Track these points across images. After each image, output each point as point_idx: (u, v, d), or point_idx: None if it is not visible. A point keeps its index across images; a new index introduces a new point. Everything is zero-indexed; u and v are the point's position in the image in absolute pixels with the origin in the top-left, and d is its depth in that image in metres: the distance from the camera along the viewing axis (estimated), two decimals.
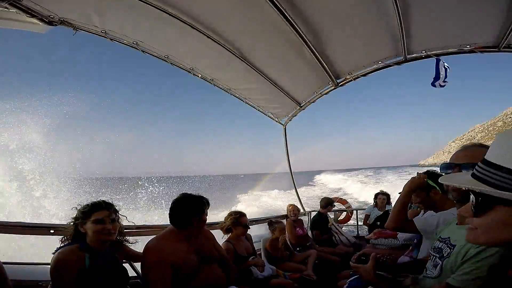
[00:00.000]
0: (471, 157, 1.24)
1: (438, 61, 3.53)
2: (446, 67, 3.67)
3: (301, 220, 4.73)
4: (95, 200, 1.87)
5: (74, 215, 1.83)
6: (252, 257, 3.08)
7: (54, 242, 1.85)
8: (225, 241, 2.99)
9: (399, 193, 4.18)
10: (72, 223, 1.82)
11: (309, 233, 4.89)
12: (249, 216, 3.25)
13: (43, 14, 2.18)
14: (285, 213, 4.91)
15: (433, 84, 3.90)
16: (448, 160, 1.38)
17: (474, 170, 0.75)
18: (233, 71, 3.41)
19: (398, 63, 3.29)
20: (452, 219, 1.54)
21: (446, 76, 3.75)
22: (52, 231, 2.16)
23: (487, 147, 1.04)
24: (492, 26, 2.58)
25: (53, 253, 1.71)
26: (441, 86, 3.86)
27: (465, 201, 1.06)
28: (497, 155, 0.69)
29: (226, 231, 3.05)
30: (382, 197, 5.04)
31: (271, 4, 2.27)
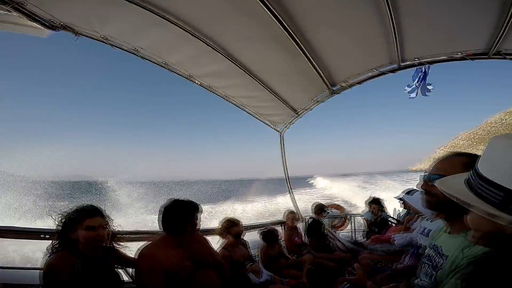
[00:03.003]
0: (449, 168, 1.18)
1: (428, 68, 3.63)
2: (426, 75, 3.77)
3: (298, 227, 4.73)
4: (83, 205, 1.85)
5: (63, 221, 1.80)
6: (249, 263, 3.08)
7: (45, 247, 1.82)
8: (221, 248, 3.00)
9: (396, 198, 4.22)
10: (60, 229, 1.79)
11: (305, 239, 4.89)
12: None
13: (45, 19, 2.19)
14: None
15: (424, 94, 3.99)
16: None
17: (469, 175, 0.80)
18: (231, 79, 3.44)
19: (393, 71, 3.35)
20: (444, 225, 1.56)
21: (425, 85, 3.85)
22: (43, 235, 2.14)
23: (464, 154, 1.15)
24: (483, 33, 2.65)
25: (45, 258, 1.70)
26: (425, 94, 3.96)
27: (439, 207, 1.17)
28: (481, 164, 0.75)
29: (220, 236, 3.09)
30: (374, 206, 5.01)
31: (269, 13, 2.31)
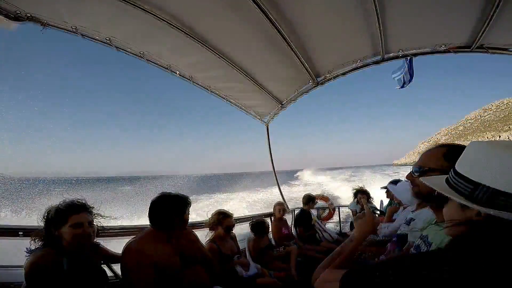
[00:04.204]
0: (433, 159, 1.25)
1: (410, 60, 3.65)
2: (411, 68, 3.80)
3: (285, 219, 4.75)
4: (68, 201, 1.76)
5: (46, 217, 1.72)
6: (237, 256, 3.06)
7: (23, 245, 1.74)
8: (209, 241, 2.97)
9: (382, 188, 4.24)
10: (43, 226, 1.72)
11: (293, 230, 4.92)
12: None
13: (9, 10, 2.05)
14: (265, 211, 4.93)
15: (402, 86, 4.03)
16: (417, 159, 1.45)
17: (449, 173, 0.89)
18: (213, 69, 3.34)
19: (377, 63, 3.35)
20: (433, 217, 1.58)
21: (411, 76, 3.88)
22: (21, 233, 2.06)
23: (446, 145, 1.21)
24: (466, 27, 2.67)
25: (27, 256, 1.62)
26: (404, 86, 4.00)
27: (421, 197, 1.25)
28: (458, 163, 0.85)
29: (210, 228, 3.04)
30: (361, 196, 5.03)
31: (252, 2, 2.24)
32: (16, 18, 2.11)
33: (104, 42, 2.56)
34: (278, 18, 2.53)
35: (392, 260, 0.86)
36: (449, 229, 0.86)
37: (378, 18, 2.52)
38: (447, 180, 0.87)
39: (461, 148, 1.06)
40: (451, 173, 0.86)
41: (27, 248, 1.68)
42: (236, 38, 2.90)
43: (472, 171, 0.78)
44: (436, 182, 0.91)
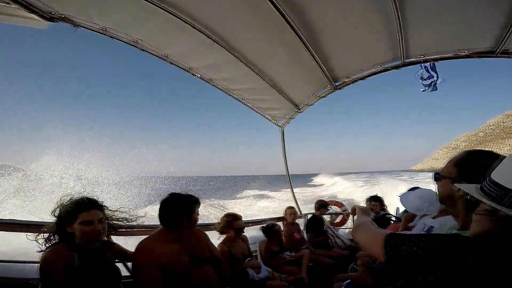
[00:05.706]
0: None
1: (433, 66, 3.53)
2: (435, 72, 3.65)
3: (298, 223, 4.72)
4: (78, 198, 1.78)
5: (58, 214, 1.76)
6: (248, 259, 3.07)
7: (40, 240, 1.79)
8: (220, 243, 2.98)
9: (398, 196, 4.16)
10: (56, 222, 1.75)
11: (305, 235, 4.88)
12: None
13: (44, 10, 2.15)
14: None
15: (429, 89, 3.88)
16: (434, 166, 1.44)
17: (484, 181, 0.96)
18: (232, 71, 3.39)
19: (396, 67, 3.30)
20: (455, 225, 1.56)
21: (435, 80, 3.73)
22: (45, 229, 2.11)
23: (466, 152, 1.23)
24: (489, 31, 2.60)
25: (41, 252, 1.67)
26: (431, 89, 3.84)
27: (440, 200, 1.30)
28: (493, 171, 0.91)
29: (221, 232, 3.05)
30: (375, 203, 4.90)
31: (271, 5, 2.27)
32: (50, 18, 2.22)
33: (130, 44, 2.65)
34: (297, 21, 2.54)
35: (434, 235, 0.96)
36: (472, 229, 0.94)
37: (398, 22, 2.49)
38: (481, 187, 0.95)
39: (483, 154, 1.10)
40: (486, 180, 0.93)
41: (40, 245, 1.72)
42: (255, 41, 2.93)
43: (502, 176, 0.86)
44: (470, 188, 0.98)
